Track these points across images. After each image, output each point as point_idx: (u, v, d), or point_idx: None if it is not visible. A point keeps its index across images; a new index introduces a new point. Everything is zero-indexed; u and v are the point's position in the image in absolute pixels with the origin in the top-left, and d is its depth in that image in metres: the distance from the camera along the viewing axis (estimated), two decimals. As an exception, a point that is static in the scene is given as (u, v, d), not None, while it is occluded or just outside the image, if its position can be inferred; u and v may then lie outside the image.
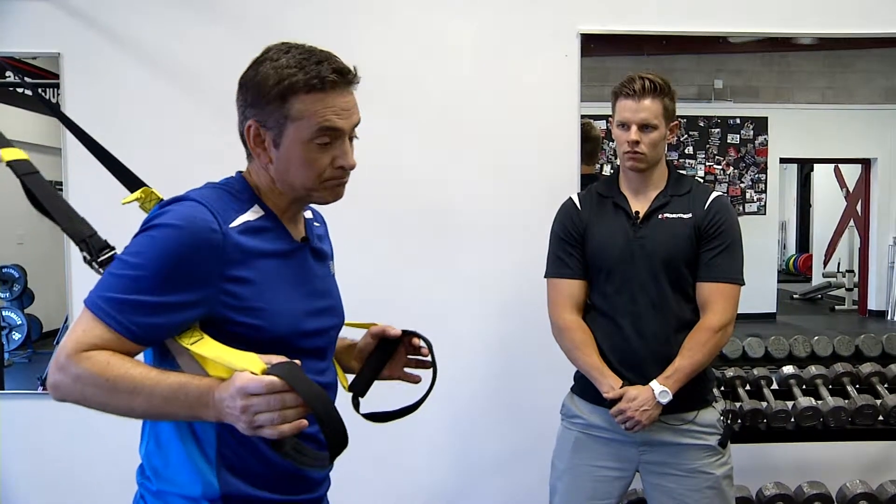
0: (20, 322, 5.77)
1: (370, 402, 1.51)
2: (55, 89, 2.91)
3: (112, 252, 1.38)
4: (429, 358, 1.50)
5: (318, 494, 1.43)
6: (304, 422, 1.11)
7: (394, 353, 1.52)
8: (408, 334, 1.50)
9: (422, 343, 1.50)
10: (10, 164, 1.46)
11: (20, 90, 5.16)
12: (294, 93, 1.25)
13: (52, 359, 1.17)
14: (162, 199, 1.41)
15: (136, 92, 2.84)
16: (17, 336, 5.76)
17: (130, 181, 1.51)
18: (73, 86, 2.83)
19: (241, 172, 1.39)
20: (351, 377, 1.55)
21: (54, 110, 1.73)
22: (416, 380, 1.52)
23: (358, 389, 1.51)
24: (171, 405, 1.16)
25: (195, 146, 2.80)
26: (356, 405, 1.49)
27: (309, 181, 1.30)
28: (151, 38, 2.87)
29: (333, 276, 1.50)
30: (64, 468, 2.96)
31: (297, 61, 1.26)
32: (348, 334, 1.57)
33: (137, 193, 1.46)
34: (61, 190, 2.92)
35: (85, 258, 1.38)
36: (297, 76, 1.25)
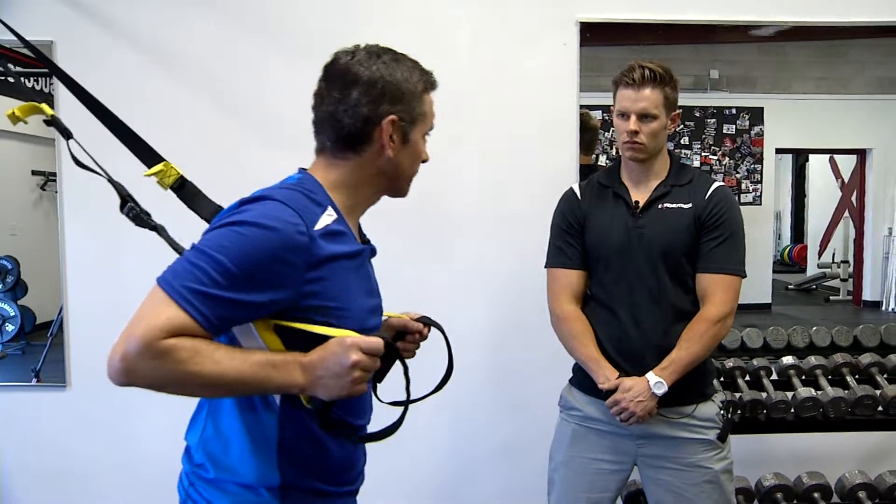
0: (13, 314, 5.74)
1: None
2: (47, 77, 2.88)
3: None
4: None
5: (357, 486, 1.49)
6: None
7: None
8: (424, 323, 1.56)
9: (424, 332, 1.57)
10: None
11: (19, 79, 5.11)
12: (426, 92, 1.41)
13: (121, 341, 1.14)
14: (181, 175, 1.56)
15: (129, 80, 2.81)
16: (10, 328, 5.72)
17: (148, 156, 1.58)
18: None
19: (305, 170, 1.41)
20: None
21: (74, 88, 1.72)
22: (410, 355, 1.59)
23: (375, 375, 1.53)
24: (258, 381, 1.22)
25: (190, 134, 2.78)
26: (374, 391, 1.52)
27: (414, 172, 1.45)
28: (145, 25, 2.85)
29: (373, 269, 1.53)
30: (59, 460, 2.95)
31: (414, 62, 1.41)
32: None
33: (159, 167, 1.54)
34: (54, 181, 2.90)
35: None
36: (427, 77, 1.41)
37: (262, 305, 1.22)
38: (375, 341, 1.25)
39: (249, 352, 1.23)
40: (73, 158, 1.55)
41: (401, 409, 1.37)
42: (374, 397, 1.50)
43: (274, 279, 1.21)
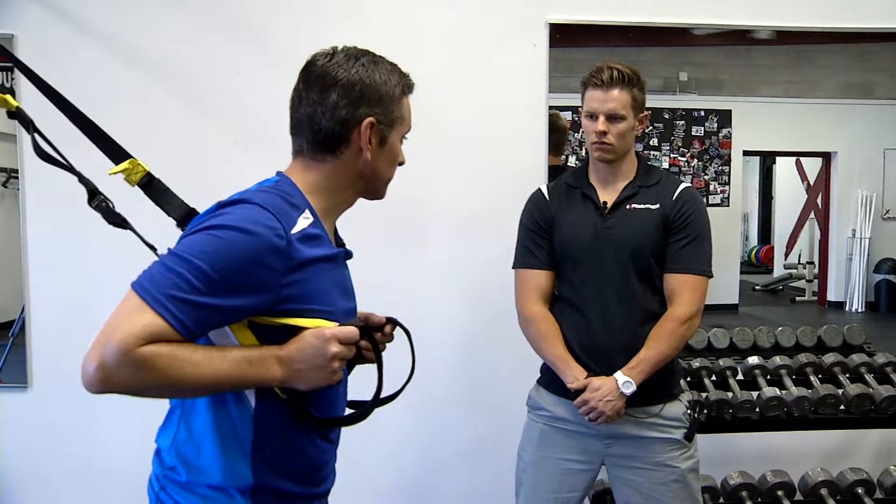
0: (-26, 313, 5.62)
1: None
2: (9, 72, 2.83)
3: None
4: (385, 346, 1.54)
5: (328, 486, 1.50)
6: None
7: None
8: (389, 322, 1.54)
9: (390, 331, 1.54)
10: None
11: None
12: (405, 94, 1.42)
13: (97, 348, 1.12)
14: (148, 172, 1.52)
15: (94, 75, 2.76)
16: (-30, 328, 5.61)
17: (115, 152, 1.55)
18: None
19: (283, 172, 1.40)
20: None
21: (37, 82, 1.68)
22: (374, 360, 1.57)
23: (349, 365, 1.56)
24: (236, 379, 1.22)
25: (156, 131, 2.73)
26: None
27: (391, 175, 1.46)
28: (109, 19, 2.80)
29: (348, 271, 1.52)
30: (20, 463, 2.89)
31: (392, 65, 1.41)
32: None
33: (124, 164, 1.51)
34: (16, 178, 2.84)
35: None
36: (405, 80, 1.42)
37: (241, 310, 1.22)
38: (351, 329, 1.27)
39: (226, 350, 1.23)
40: (37, 151, 1.52)
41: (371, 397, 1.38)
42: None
43: (253, 283, 1.21)
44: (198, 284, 1.16)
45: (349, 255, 1.47)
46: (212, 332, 1.26)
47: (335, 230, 1.48)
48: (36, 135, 1.53)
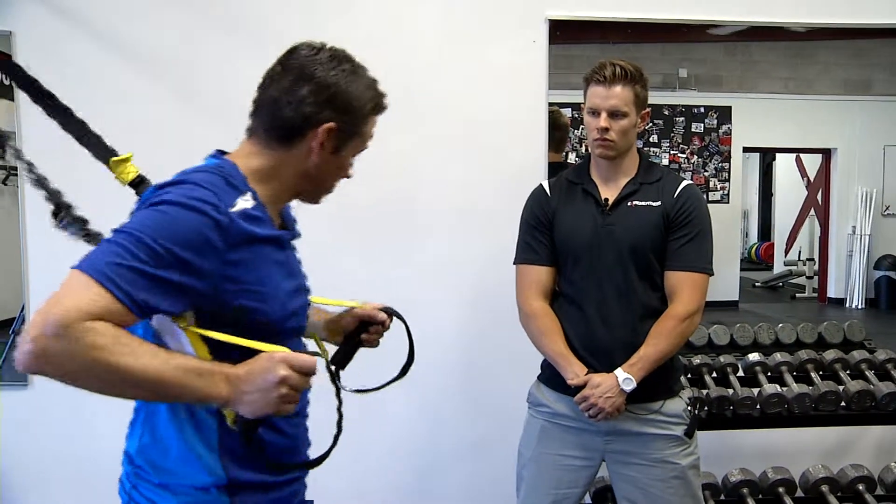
0: (-26, 311, 5.62)
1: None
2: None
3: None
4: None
5: (303, 473, 1.48)
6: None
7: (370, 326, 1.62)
8: (387, 313, 1.60)
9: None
10: None
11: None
12: (374, 113, 1.42)
13: (35, 323, 1.07)
14: (140, 172, 1.51)
15: (91, 72, 2.75)
16: (-30, 326, 5.61)
17: (105, 152, 1.56)
18: (26, 66, 2.71)
19: (225, 155, 1.39)
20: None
21: (26, 85, 1.68)
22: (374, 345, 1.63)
23: (337, 362, 1.57)
24: (180, 386, 1.16)
25: (154, 129, 2.73)
26: (337, 377, 1.53)
27: (333, 185, 1.45)
28: (108, 16, 2.79)
29: (297, 255, 1.52)
30: (20, 459, 2.88)
31: (371, 81, 1.41)
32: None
33: (128, 154, 1.52)
34: (16, 175, 2.84)
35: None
36: (378, 100, 1.42)
37: (183, 288, 1.19)
38: (308, 359, 1.21)
39: (175, 354, 1.20)
40: (8, 153, 1.51)
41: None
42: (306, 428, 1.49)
43: (195, 259, 1.19)
44: (140, 255, 1.14)
45: (295, 237, 1.47)
46: (171, 340, 1.25)
47: (285, 215, 1.48)
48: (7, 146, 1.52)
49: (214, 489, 1.30)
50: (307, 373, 1.21)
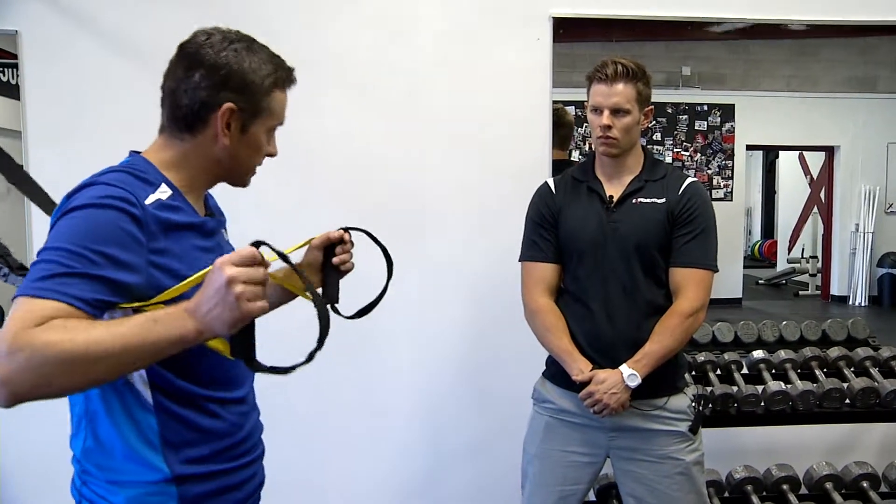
0: (-22, 309, 5.64)
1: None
2: (13, 69, 2.82)
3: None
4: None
5: (256, 454, 1.48)
6: (266, 303, 1.14)
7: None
8: (346, 230, 1.65)
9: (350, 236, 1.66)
10: None
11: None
12: (277, 87, 1.38)
13: None
14: None
15: (97, 72, 2.75)
16: (-25, 324, 5.63)
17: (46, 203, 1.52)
18: (32, 65, 2.74)
19: (136, 153, 1.39)
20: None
21: None
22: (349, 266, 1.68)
23: (331, 297, 1.63)
24: (147, 342, 1.11)
25: (158, 127, 2.73)
26: (336, 311, 1.59)
27: (253, 165, 1.43)
28: (113, 15, 2.79)
29: (229, 242, 1.52)
30: (23, 458, 2.89)
31: (271, 56, 1.39)
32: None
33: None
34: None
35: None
36: (280, 73, 1.38)
37: (119, 285, 1.16)
38: (246, 249, 1.14)
39: (126, 318, 1.16)
40: None
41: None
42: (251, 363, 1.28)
43: (121, 254, 1.17)
44: (70, 262, 1.13)
45: (221, 224, 1.47)
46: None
47: (209, 203, 1.48)
48: None
49: (162, 484, 1.30)
50: (251, 263, 1.12)
